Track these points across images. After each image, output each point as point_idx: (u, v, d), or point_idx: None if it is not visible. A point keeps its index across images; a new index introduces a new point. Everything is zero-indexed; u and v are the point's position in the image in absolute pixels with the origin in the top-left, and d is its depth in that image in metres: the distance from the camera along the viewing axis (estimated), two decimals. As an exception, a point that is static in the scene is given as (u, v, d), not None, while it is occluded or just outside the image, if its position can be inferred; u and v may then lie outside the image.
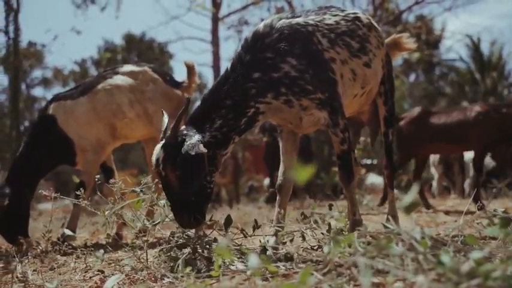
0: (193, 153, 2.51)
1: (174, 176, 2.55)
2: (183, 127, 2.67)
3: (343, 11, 3.27)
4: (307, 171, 1.12)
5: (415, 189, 1.41)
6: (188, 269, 2.24)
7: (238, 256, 2.46)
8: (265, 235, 2.73)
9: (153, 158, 2.61)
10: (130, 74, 4.83)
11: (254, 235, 2.75)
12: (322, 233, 2.63)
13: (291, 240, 2.61)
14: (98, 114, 4.66)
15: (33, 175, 4.65)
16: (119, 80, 4.78)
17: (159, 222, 2.71)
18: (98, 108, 4.66)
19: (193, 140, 2.58)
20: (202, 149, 2.56)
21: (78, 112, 4.64)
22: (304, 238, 2.58)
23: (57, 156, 4.69)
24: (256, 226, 2.73)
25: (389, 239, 1.51)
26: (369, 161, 15.45)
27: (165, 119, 2.82)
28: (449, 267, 1.38)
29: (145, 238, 2.67)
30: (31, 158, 4.62)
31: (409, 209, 1.39)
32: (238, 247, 2.57)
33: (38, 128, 4.76)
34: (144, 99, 4.71)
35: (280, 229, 2.76)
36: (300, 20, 2.94)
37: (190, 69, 4.97)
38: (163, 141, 2.63)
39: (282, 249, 2.54)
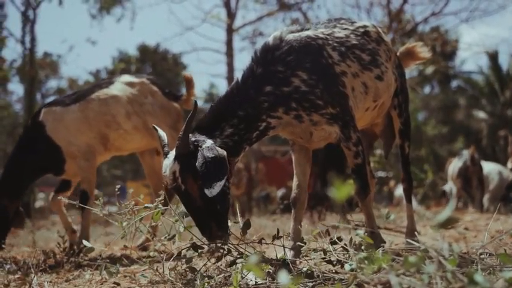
0: (212, 155, 2.44)
1: (196, 187, 2.47)
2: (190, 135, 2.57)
3: (352, 23, 3.24)
4: (346, 188, 1.07)
5: (451, 204, 1.35)
6: (205, 283, 2.20)
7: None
8: (284, 246, 2.64)
9: (167, 173, 2.50)
10: (128, 84, 4.74)
11: (272, 244, 2.66)
12: (343, 247, 2.56)
13: (313, 257, 2.53)
14: (89, 123, 4.54)
15: (17, 182, 4.52)
16: (115, 90, 4.67)
17: (173, 236, 2.63)
18: (89, 117, 4.54)
19: (208, 143, 2.52)
20: (220, 150, 2.50)
21: (68, 119, 4.51)
22: (325, 253, 2.50)
23: (43, 163, 4.55)
24: (277, 235, 2.61)
25: (421, 256, 1.46)
26: (383, 174, 15.34)
27: (161, 132, 2.74)
28: (482, 286, 1.33)
29: (162, 250, 2.64)
30: (16, 164, 4.52)
31: (445, 224, 1.34)
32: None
33: (27, 134, 4.66)
34: (143, 111, 4.63)
35: (300, 244, 2.69)
36: (309, 33, 2.93)
37: (188, 82, 4.91)
38: (173, 154, 2.53)
39: (301, 262, 2.47)
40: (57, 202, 4.57)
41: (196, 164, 2.44)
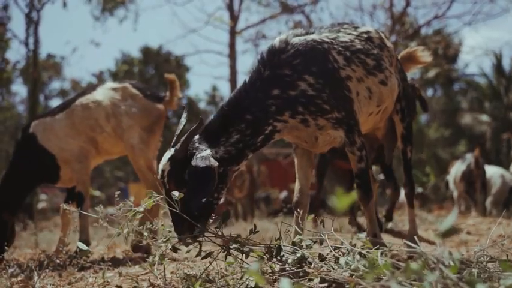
0: (203, 165, 2.44)
1: (177, 191, 2.44)
2: (196, 137, 2.60)
3: (356, 28, 3.25)
4: (348, 198, 1.07)
5: (454, 213, 1.35)
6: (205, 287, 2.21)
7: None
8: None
9: (160, 167, 2.55)
10: (109, 90, 4.84)
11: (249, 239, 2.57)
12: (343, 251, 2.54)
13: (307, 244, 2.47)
14: (77, 128, 4.66)
15: (16, 196, 4.62)
16: (97, 95, 4.78)
17: (169, 238, 2.60)
18: (76, 122, 4.67)
19: (204, 153, 2.51)
20: (213, 162, 2.48)
21: (57, 127, 4.65)
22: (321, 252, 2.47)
23: (39, 173, 4.67)
24: (254, 230, 2.48)
25: (423, 263, 1.46)
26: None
27: (183, 119, 2.75)
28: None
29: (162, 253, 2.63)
30: (12, 177, 4.62)
31: (447, 234, 1.34)
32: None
33: (20, 147, 4.76)
34: (119, 113, 4.70)
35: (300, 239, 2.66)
36: (314, 36, 2.93)
37: (171, 83, 4.95)
38: (172, 152, 2.55)
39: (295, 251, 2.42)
40: (66, 215, 4.69)
41: (186, 171, 2.46)
